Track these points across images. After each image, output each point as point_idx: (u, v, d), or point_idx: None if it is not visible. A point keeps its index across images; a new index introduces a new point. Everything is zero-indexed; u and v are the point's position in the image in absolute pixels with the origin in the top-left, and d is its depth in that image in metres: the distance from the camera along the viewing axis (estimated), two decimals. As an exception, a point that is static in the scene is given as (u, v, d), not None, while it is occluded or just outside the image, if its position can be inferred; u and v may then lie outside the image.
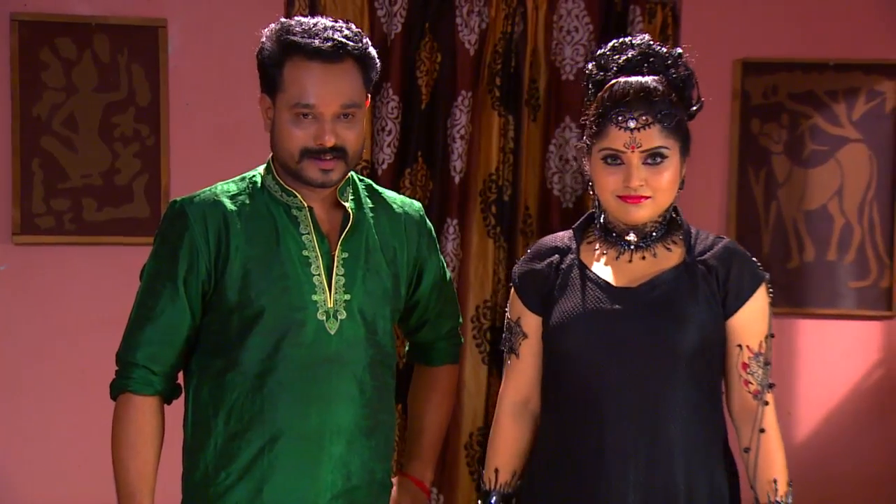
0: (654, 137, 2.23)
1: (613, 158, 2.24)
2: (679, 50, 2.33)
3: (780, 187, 4.41)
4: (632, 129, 2.22)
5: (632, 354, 2.23)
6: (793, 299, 4.38)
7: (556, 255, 2.36)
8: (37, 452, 4.24)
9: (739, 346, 2.27)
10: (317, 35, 2.23)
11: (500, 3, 4.28)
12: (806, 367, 4.37)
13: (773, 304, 2.31)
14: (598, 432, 2.23)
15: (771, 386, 2.27)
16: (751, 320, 2.27)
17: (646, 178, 2.23)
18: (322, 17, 2.30)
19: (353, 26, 2.29)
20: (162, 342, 2.27)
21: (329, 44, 2.22)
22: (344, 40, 2.23)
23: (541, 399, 2.37)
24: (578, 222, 2.40)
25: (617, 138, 2.23)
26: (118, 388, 2.28)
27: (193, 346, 2.32)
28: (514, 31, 4.29)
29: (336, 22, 2.28)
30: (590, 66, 2.35)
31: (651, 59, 2.30)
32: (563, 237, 2.39)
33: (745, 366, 2.27)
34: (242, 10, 4.18)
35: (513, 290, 2.40)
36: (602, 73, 2.33)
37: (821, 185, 4.40)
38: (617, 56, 2.32)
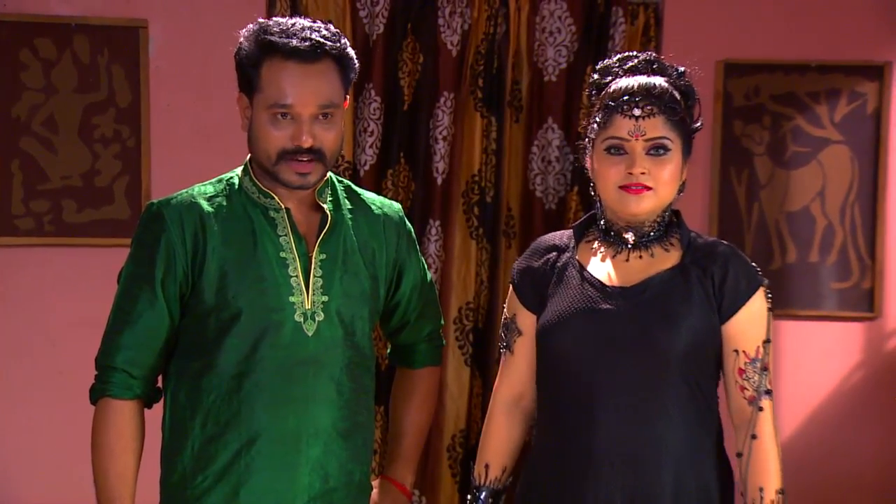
0: (658, 127, 2.24)
1: (617, 149, 2.24)
2: (683, 68, 2.34)
3: (763, 189, 4.41)
4: (636, 117, 2.23)
5: (621, 354, 2.22)
6: (775, 301, 4.37)
7: (554, 253, 2.36)
8: (15, 453, 4.21)
9: (735, 350, 2.25)
10: (294, 35, 2.21)
11: (483, 4, 4.27)
12: (788, 369, 4.37)
13: (772, 309, 2.29)
14: (587, 431, 2.23)
15: (768, 392, 2.24)
16: (747, 325, 2.25)
17: (648, 168, 2.23)
18: (302, 17, 2.29)
19: (332, 27, 2.28)
20: (140, 346, 2.26)
21: (307, 43, 2.20)
22: (322, 40, 2.22)
23: (536, 397, 2.37)
24: (579, 221, 2.40)
25: (621, 126, 2.24)
26: (97, 393, 2.27)
27: (173, 349, 2.30)
28: (497, 32, 4.29)
29: (314, 22, 2.26)
30: (594, 76, 2.36)
31: (654, 66, 2.32)
32: (562, 235, 2.40)
33: (741, 371, 2.25)
34: (224, 11, 4.16)
35: (510, 286, 2.41)
36: (607, 79, 2.34)
37: (803, 186, 4.40)
38: (621, 63, 2.34)
